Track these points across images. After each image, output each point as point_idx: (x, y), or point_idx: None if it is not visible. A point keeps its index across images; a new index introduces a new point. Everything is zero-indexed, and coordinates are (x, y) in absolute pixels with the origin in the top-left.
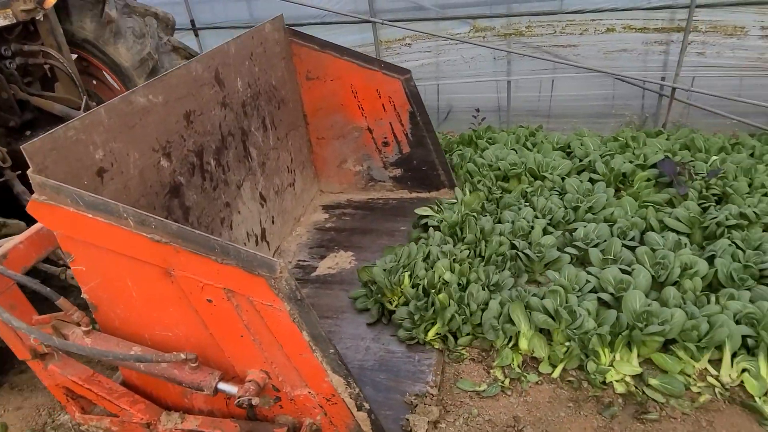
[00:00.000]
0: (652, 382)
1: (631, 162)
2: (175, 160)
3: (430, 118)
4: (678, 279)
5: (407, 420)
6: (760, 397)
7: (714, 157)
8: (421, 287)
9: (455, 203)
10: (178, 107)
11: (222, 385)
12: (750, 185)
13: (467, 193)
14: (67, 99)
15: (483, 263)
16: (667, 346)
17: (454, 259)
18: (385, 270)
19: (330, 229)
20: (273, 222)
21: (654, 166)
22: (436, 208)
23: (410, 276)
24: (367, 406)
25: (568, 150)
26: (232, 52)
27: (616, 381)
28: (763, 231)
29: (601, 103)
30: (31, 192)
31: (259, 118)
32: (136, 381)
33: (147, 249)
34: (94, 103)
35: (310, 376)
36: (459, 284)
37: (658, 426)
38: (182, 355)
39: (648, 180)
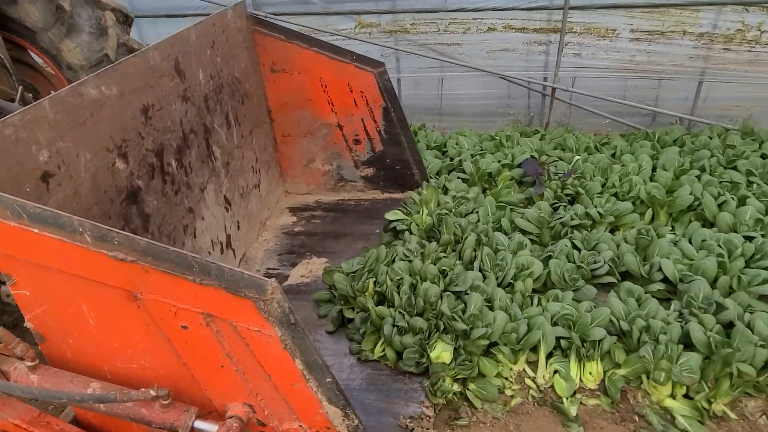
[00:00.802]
0: (470, 386)
1: (498, 162)
2: (133, 162)
3: None
4: (512, 281)
5: None
6: (567, 398)
7: (576, 157)
8: (379, 295)
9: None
10: (135, 101)
11: (199, 424)
12: (603, 185)
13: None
14: None
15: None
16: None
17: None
18: (349, 275)
19: (300, 233)
20: (238, 227)
21: (519, 165)
22: (405, 210)
23: (375, 282)
24: None
25: (444, 149)
26: (192, 39)
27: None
28: (608, 231)
29: (490, 102)
30: None
31: (223, 113)
32: (91, 420)
33: (108, 269)
34: (30, 95)
35: (302, 408)
36: (412, 284)
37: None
38: (152, 392)
39: (512, 180)
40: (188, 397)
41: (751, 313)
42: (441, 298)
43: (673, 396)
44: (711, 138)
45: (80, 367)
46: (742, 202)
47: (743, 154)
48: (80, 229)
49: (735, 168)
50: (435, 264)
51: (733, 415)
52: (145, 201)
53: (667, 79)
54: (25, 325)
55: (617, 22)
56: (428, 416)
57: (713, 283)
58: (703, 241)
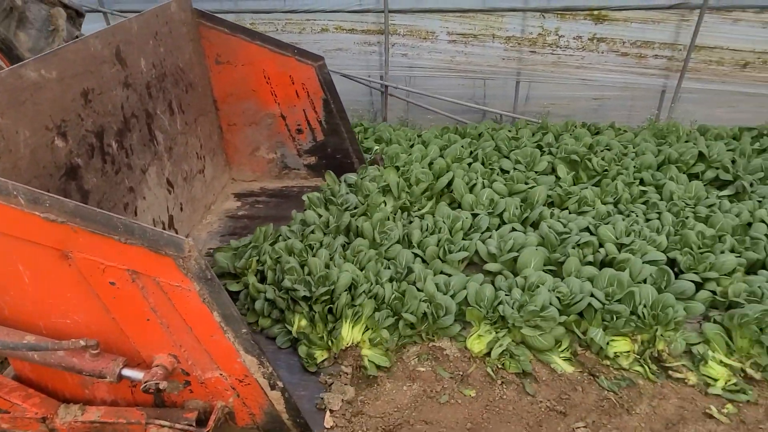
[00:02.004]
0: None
1: None
2: (72, 141)
3: None
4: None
5: (322, 399)
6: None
7: (376, 147)
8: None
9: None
10: (75, 84)
11: (126, 371)
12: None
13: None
14: None
15: None
16: None
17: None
18: (238, 251)
19: (242, 216)
20: (182, 209)
21: None
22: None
23: (258, 261)
24: (280, 384)
25: None
26: (134, 29)
27: None
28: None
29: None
30: None
31: (166, 101)
32: (30, 374)
33: (41, 230)
34: None
35: (222, 357)
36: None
37: None
38: (82, 342)
39: None
40: (118, 350)
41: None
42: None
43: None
44: (510, 131)
45: (17, 323)
46: (489, 185)
47: (521, 146)
48: (14, 193)
49: (507, 157)
50: (302, 241)
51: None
52: (84, 178)
53: (489, 78)
54: None
55: (435, 26)
56: (347, 374)
57: (424, 251)
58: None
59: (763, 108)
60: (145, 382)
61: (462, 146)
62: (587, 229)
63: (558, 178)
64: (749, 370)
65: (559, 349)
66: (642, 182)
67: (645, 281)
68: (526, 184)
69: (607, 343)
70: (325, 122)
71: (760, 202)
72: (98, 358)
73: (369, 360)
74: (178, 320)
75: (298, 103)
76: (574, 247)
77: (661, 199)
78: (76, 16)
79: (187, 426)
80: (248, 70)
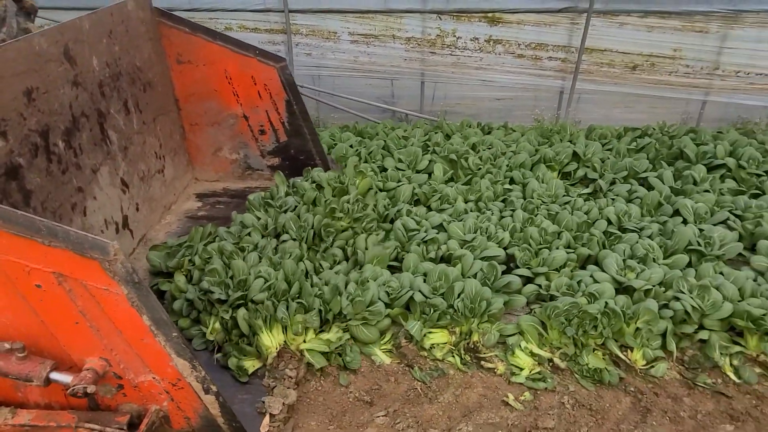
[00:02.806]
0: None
1: None
2: (13, 140)
3: None
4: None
5: (263, 402)
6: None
7: None
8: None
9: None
10: (16, 83)
11: (55, 375)
12: None
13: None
14: None
15: None
16: None
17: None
18: (172, 249)
19: (202, 217)
20: (137, 209)
21: None
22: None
23: (189, 261)
24: (214, 389)
25: None
26: (86, 28)
27: None
28: None
29: None
30: None
31: (121, 100)
32: None
33: None
34: None
35: (154, 361)
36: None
37: None
38: (6, 345)
39: None
40: (48, 353)
41: None
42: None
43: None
44: (405, 131)
45: None
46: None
47: (409, 145)
48: None
49: (392, 156)
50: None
51: None
52: (26, 178)
53: (394, 78)
54: None
55: (336, 26)
56: (290, 377)
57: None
58: None
59: (656, 108)
60: (73, 386)
61: (350, 145)
62: (441, 226)
63: (429, 176)
64: (557, 360)
65: (381, 341)
66: (512, 181)
67: (475, 276)
68: (399, 182)
69: (424, 335)
70: (288, 123)
71: (613, 200)
72: (25, 361)
73: (310, 353)
74: (108, 324)
75: (260, 103)
76: (419, 244)
77: (523, 197)
78: (26, 9)
79: (118, 429)
80: (210, 70)
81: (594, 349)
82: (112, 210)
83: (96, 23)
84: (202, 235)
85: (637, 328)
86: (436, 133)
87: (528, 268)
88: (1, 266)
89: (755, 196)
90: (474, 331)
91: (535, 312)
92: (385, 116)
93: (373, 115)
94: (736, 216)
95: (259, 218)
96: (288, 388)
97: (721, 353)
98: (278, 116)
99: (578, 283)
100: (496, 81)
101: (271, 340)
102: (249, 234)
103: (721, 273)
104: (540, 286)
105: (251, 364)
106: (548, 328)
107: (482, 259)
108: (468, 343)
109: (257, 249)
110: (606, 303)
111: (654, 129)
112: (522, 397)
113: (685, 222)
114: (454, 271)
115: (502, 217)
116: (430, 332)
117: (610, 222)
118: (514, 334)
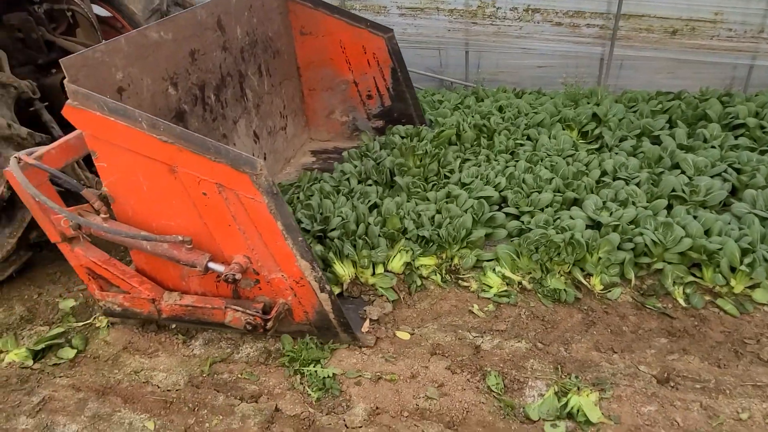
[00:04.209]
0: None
1: None
2: (181, 90)
3: None
4: None
5: (365, 310)
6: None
7: None
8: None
9: None
10: (185, 45)
11: (211, 264)
12: None
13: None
14: (86, 43)
15: None
16: None
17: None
18: (282, 190)
19: (316, 169)
20: (265, 158)
21: None
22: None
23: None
24: (328, 288)
25: None
26: (233, 2)
27: None
28: None
29: None
30: (59, 122)
31: (256, 64)
32: (144, 266)
33: (156, 148)
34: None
35: (283, 261)
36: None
37: None
38: (179, 238)
39: None
40: (207, 249)
41: None
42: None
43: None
44: (443, 95)
45: (137, 223)
46: None
47: (441, 106)
48: (139, 119)
49: None
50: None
51: None
52: (189, 121)
53: (440, 48)
54: (101, 189)
55: (386, 1)
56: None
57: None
58: None
59: (701, 74)
60: (225, 273)
61: None
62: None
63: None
64: (525, 282)
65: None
66: (528, 138)
67: (467, 212)
68: None
69: (414, 259)
70: (393, 89)
71: (617, 154)
72: (191, 252)
73: (380, 287)
74: (251, 227)
75: (369, 71)
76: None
77: (533, 151)
78: None
79: (255, 312)
80: (327, 41)
81: (559, 274)
82: None
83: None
84: (309, 178)
85: (599, 258)
86: (467, 97)
87: (516, 207)
88: (180, 177)
89: (764, 153)
90: (455, 255)
91: (513, 242)
92: (433, 84)
93: (424, 84)
94: (735, 170)
95: (356, 166)
96: (385, 301)
97: (675, 282)
98: (384, 82)
99: (555, 219)
100: (536, 49)
101: (343, 270)
102: (348, 180)
103: (695, 216)
104: (523, 222)
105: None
106: (520, 255)
107: (476, 198)
108: (450, 266)
109: (351, 192)
110: (573, 235)
111: (687, 93)
112: (486, 308)
113: (684, 174)
114: (452, 208)
115: (507, 167)
116: (422, 255)
117: (605, 172)
118: (491, 260)
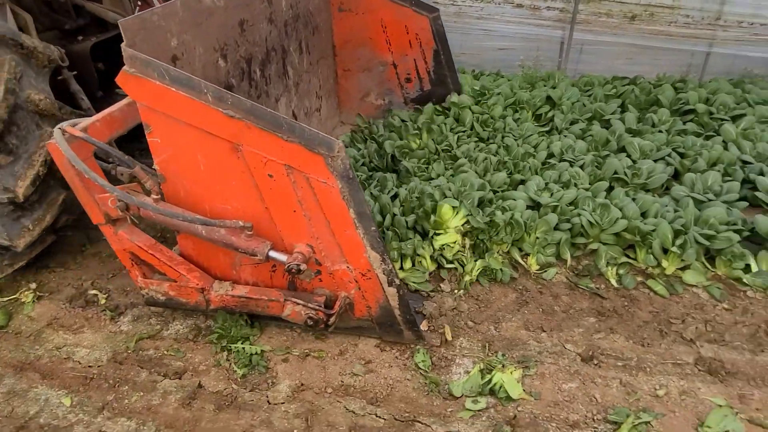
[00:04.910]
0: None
1: None
2: (230, 63)
3: None
4: None
5: (423, 305)
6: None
7: None
8: None
9: None
10: (235, 14)
11: (273, 253)
12: None
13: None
14: (115, 11)
15: None
16: None
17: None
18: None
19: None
20: None
21: None
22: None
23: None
24: (398, 281)
25: None
26: None
27: None
28: None
29: None
30: (86, 92)
31: (297, 40)
32: (191, 252)
33: (221, 124)
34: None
35: (351, 251)
36: None
37: None
38: (240, 223)
39: None
40: (265, 235)
41: None
42: None
43: None
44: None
45: (189, 205)
46: None
47: None
48: (205, 90)
49: None
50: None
51: None
52: None
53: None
54: (153, 167)
55: None
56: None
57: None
58: None
59: (659, 60)
60: (289, 264)
61: None
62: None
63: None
64: None
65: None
66: (491, 118)
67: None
68: None
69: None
70: (434, 73)
71: (565, 137)
72: (251, 239)
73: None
74: (319, 214)
75: (410, 52)
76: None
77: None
78: None
79: (317, 307)
80: (367, 18)
81: (498, 254)
82: None
83: None
84: None
85: (537, 238)
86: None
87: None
88: (244, 156)
89: (709, 138)
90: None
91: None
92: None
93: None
94: (679, 154)
95: (359, 149)
96: (443, 297)
97: (609, 263)
98: (425, 65)
99: (500, 200)
100: (497, 30)
101: None
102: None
103: (634, 198)
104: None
105: None
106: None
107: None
108: None
109: (369, 180)
110: (513, 215)
111: (642, 79)
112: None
113: (629, 158)
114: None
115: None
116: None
117: (552, 154)
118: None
